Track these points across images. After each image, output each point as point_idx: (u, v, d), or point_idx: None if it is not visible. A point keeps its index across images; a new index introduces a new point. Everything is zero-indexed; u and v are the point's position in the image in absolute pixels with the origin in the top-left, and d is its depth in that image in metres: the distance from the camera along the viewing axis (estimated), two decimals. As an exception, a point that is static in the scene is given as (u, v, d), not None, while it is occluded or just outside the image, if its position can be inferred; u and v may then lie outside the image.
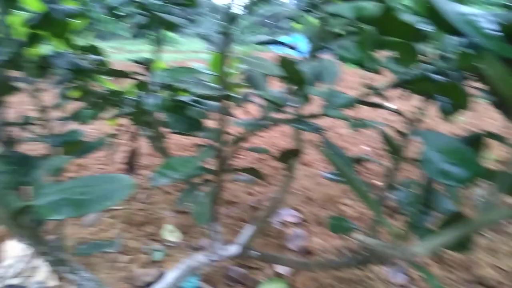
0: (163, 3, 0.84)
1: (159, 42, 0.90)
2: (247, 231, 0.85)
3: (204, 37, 0.50)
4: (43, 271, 1.04)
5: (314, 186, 1.58)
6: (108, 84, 1.08)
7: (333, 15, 0.72)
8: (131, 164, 1.03)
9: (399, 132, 0.71)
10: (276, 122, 0.52)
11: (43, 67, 0.68)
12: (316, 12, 0.84)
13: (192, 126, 0.60)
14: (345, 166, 0.43)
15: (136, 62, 0.78)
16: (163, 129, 0.86)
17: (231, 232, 1.24)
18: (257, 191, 1.58)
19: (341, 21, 0.75)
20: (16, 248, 1.08)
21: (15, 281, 0.96)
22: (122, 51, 8.00)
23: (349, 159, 0.55)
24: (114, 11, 0.90)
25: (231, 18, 0.50)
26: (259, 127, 0.50)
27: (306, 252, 1.16)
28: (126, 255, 1.10)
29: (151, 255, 1.12)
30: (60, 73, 0.79)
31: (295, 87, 0.45)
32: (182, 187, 1.52)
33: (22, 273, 1.02)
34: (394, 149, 0.65)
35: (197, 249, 1.17)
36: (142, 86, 0.96)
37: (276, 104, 0.46)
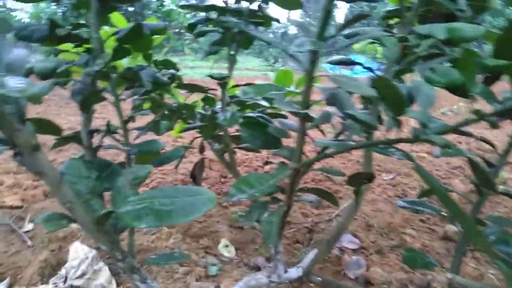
0: (239, 21, 0.86)
1: (232, 59, 0.91)
2: (310, 255, 0.81)
3: (292, 56, 0.50)
4: (104, 274, 1.07)
5: (373, 212, 1.51)
6: (179, 97, 1.12)
7: (419, 35, 0.69)
8: (195, 176, 1.05)
9: (487, 162, 0.65)
10: (362, 145, 0.50)
11: (127, 78, 0.72)
12: (394, 33, 0.82)
13: (269, 143, 0.59)
14: (442, 188, 0.40)
15: (212, 77, 0.79)
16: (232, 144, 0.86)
17: (286, 253, 1.21)
18: (313, 213, 1.54)
19: (427, 42, 0.72)
20: (79, 250, 1.13)
21: (77, 283, 1.00)
22: (182, 67, 8.35)
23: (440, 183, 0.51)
24: (191, 29, 0.94)
25: (320, 36, 0.49)
26: (342, 149, 0.48)
27: (366, 282, 1.10)
28: (183, 267, 1.11)
29: (207, 268, 1.12)
30: (140, 85, 0.82)
31: (388, 109, 0.42)
32: (239, 202, 1.52)
33: (85, 275, 1.06)
34: (483, 179, 0.59)
35: (253, 267, 1.15)
36: (211, 100, 0.98)
37: (367, 126, 0.44)
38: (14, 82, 0.33)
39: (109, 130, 0.65)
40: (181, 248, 1.21)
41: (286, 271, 0.79)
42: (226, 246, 1.25)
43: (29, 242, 1.22)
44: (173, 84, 1.02)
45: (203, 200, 0.47)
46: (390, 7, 1.01)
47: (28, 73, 0.63)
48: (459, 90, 0.59)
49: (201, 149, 1.02)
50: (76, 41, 0.61)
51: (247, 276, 0.79)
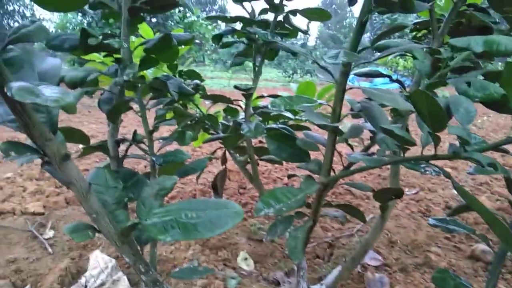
0: (265, 32, 0.86)
1: (257, 70, 0.91)
2: (333, 272, 0.79)
3: (323, 67, 0.49)
4: (123, 284, 1.07)
5: (396, 228, 1.47)
6: (202, 108, 1.12)
7: (452, 48, 0.67)
8: (217, 187, 1.04)
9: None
10: (397, 161, 0.48)
11: (154, 88, 0.72)
12: (430, 46, 0.80)
13: (296, 156, 0.58)
14: (483, 206, 0.37)
15: (238, 88, 0.79)
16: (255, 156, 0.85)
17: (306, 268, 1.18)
18: (333, 227, 1.51)
19: (462, 55, 0.70)
20: (99, 259, 1.13)
21: (99, 291, 0.99)
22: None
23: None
24: (216, 40, 0.94)
25: (354, 48, 0.47)
26: (377, 165, 0.46)
27: (390, 301, 1.06)
28: (201, 279, 1.09)
29: (225, 282, 1.10)
30: (164, 95, 0.82)
31: (426, 124, 0.41)
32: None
33: (104, 285, 1.06)
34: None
35: (272, 281, 1.12)
36: (235, 111, 0.97)
37: (404, 142, 0.42)
38: (49, 91, 0.33)
39: (135, 140, 0.64)
40: (199, 259, 1.20)
41: (308, 287, 0.77)
42: (245, 259, 1.23)
43: (50, 250, 1.23)
44: (197, 94, 1.02)
45: (229, 213, 0.46)
46: (419, 18, 0.99)
47: (58, 82, 0.64)
48: (496, 104, 0.57)
49: (223, 160, 1.02)
50: (107, 51, 0.62)
51: (269, 292, 0.77)
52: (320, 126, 0.51)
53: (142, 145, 0.75)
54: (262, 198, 0.52)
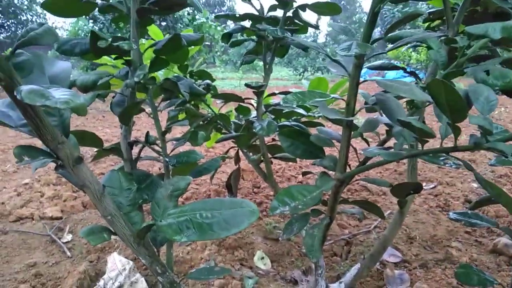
0: (275, 28, 0.85)
1: (268, 68, 0.90)
2: (352, 270, 0.77)
3: (335, 61, 0.47)
4: (141, 286, 1.07)
5: (415, 224, 1.44)
6: (214, 108, 1.12)
7: (469, 36, 0.65)
8: (231, 186, 1.04)
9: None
10: (416, 154, 0.46)
11: (165, 89, 0.72)
12: (446, 34, 0.77)
13: (311, 153, 0.57)
14: (508, 195, 0.36)
15: (249, 86, 0.78)
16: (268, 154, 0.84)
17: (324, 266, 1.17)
18: (350, 224, 1.49)
19: (479, 42, 0.67)
20: (117, 261, 1.13)
21: (117, 293, 1.00)
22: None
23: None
24: (226, 38, 0.93)
25: (367, 39, 0.46)
26: (395, 159, 0.45)
27: (411, 298, 1.04)
28: (219, 279, 1.09)
29: (243, 281, 1.09)
30: (176, 97, 0.82)
31: (445, 115, 0.39)
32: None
33: (123, 286, 1.06)
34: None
35: (290, 280, 1.11)
36: (246, 110, 0.97)
37: (423, 134, 0.40)
38: (59, 94, 0.33)
39: (148, 141, 0.64)
40: (216, 260, 1.20)
41: (327, 287, 0.75)
42: (262, 258, 1.23)
43: (68, 253, 1.24)
44: (208, 95, 1.02)
45: (245, 212, 0.45)
46: (432, 8, 0.97)
47: (70, 86, 0.64)
48: (519, 92, 0.55)
49: (237, 159, 1.01)
50: (117, 53, 0.62)
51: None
52: (334, 120, 0.50)
53: (156, 147, 0.75)
54: (277, 196, 0.51)
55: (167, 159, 0.66)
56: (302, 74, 13.06)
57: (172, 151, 0.75)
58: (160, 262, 0.54)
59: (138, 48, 0.64)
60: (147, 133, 0.65)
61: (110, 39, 0.56)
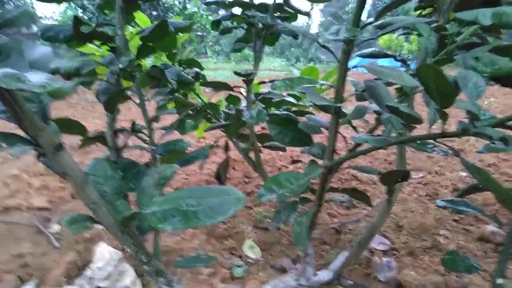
0: (265, 16, 0.83)
1: (257, 55, 0.89)
2: (340, 257, 0.78)
3: (324, 46, 0.47)
4: (130, 275, 1.07)
5: (404, 212, 1.46)
6: (203, 97, 1.11)
7: (459, 23, 0.65)
8: (220, 176, 1.03)
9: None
10: (404, 140, 0.46)
11: (152, 77, 0.70)
12: (435, 20, 0.77)
13: (299, 140, 0.56)
14: (495, 180, 0.36)
15: (238, 74, 0.77)
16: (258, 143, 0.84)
17: (314, 255, 1.17)
18: (339, 213, 1.49)
19: (470, 29, 0.67)
20: (105, 251, 1.12)
21: (103, 284, 0.99)
22: (204, 69, 8.39)
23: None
24: (215, 25, 0.92)
25: (356, 24, 0.45)
26: (383, 145, 0.44)
27: (398, 285, 1.05)
28: (208, 268, 1.09)
29: (232, 270, 1.10)
30: (164, 85, 0.81)
31: (434, 101, 0.39)
32: (264, 202, 1.50)
33: (110, 276, 1.06)
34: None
35: (279, 269, 1.12)
36: (236, 99, 0.96)
37: (411, 120, 0.40)
38: (36, 78, 0.32)
39: (134, 130, 0.63)
40: (206, 249, 1.19)
41: (315, 274, 0.76)
42: (251, 247, 1.23)
43: (56, 244, 1.23)
44: (198, 83, 1.01)
45: (230, 200, 0.44)
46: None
47: (54, 73, 0.63)
48: (506, 79, 0.55)
49: (226, 149, 1.00)
50: (101, 39, 0.60)
51: (275, 279, 0.76)
52: (322, 107, 0.50)
53: (144, 136, 0.74)
54: (265, 183, 0.51)
55: (153, 148, 0.65)
56: (294, 64, 13.02)
57: (160, 139, 0.74)
58: (145, 250, 0.53)
59: (123, 34, 0.63)
60: (133, 122, 0.64)
61: (94, 25, 0.55)
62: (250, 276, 1.08)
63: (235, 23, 0.97)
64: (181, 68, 0.90)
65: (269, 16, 0.76)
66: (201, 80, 1.03)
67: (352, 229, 1.34)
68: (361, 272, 1.10)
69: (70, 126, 0.56)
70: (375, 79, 0.50)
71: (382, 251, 1.20)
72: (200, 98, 1.00)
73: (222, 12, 0.98)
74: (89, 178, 0.52)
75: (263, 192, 0.49)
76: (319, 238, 1.29)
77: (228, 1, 0.92)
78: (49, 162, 0.43)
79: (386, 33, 0.52)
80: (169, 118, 3.14)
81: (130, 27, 1.19)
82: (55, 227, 1.35)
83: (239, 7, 0.92)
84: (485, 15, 0.53)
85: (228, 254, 1.19)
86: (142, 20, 1.07)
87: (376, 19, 0.49)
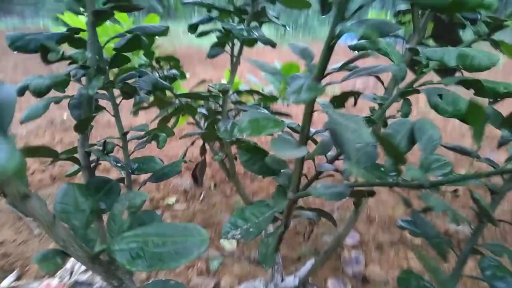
0: (242, 28, 0.82)
1: (235, 61, 0.88)
2: (307, 264, 0.82)
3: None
4: (109, 266, 1.10)
5: (376, 203, 1.52)
6: (181, 89, 1.10)
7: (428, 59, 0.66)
8: (196, 176, 1.05)
9: (490, 190, 0.64)
10: (361, 185, 0.48)
11: (126, 92, 0.70)
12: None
13: (267, 169, 0.58)
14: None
15: (212, 87, 0.77)
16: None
17: (286, 247, 1.23)
18: (315, 203, 1.55)
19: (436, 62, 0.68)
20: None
21: (83, 277, 1.03)
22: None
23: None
24: (192, 29, 0.90)
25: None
26: (336, 199, 0.47)
27: (363, 279, 1.12)
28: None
29: (208, 263, 1.14)
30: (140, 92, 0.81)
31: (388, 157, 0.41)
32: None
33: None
34: (484, 214, 0.58)
35: (253, 261, 1.17)
36: (217, 97, 0.96)
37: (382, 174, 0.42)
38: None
39: (106, 150, 0.64)
40: (183, 240, 1.23)
41: (282, 280, 0.80)
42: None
43: (36, 231, 1.25)
44: (178, 82, 1.00)
45: (195, 242, 0.47)
46: (403, 6, 0.96)
47: (22, 90, 0.62)
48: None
49: (202, 152, 1.02)
50: (71, 63, 0.60)
51: (246, 283, 0.80)
52: (285, 156, 0.51)
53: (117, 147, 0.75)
54: (230, 218, 0.53)
55: (125, 166, 0.66)
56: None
57: (132, 152, 0.75)
58: (116, 276, 0.56)
59: (94, 55, 0.62)
60: (105, 141, 0.64)
61: (61, 51, 0.54)
62: (225, 269, 1.13)
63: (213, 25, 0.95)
64: (157, 75, 0.90)
65: (245, 29, 0.76)
66: (180, 78, 1.03)
67: (325, 222, 1.40)
68: (331, 266, 1.17)
69: (40, 151, 0.57)
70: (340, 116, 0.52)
71: (352, 246, 1.26)
72: (179, 100, 1.00)
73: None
74: (59, 209, 0.53)
75: (228, 228, 0.52)
76: (293, 229, 1.34)
77: (207, 4, 0.91)
78: (17, 207, 0.44)
79: (350, 78, 0.53)
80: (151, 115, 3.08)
81: (107, 22, 1.15)
82: (35, 213, 1.36)
83: (217, 11, 0.90)
84: (451, 57, 0.55)
85: (205, 245, 1.23)
86: (121, 16, 1.04)
87: (341, 67, 0.50)
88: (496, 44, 0.73)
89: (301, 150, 0.47)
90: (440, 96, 0.59)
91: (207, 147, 1.02)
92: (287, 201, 0.56)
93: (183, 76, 1.04)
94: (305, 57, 0.53)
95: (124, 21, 1.05)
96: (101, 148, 0.63)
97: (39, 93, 0.61)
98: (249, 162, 0.61)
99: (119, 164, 0.62)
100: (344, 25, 0.43)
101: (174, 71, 0.96)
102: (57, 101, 0.63)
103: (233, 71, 0.87)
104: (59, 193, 0.56)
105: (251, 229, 0.52)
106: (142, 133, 0.78)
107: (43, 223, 0.45)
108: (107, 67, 0.70)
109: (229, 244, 1.25)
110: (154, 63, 1.02)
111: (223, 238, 0.51)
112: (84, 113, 0.60)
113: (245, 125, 0.51)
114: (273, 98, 1.12)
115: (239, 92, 1.02)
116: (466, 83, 0.65)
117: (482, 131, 0.39)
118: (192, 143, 1.04)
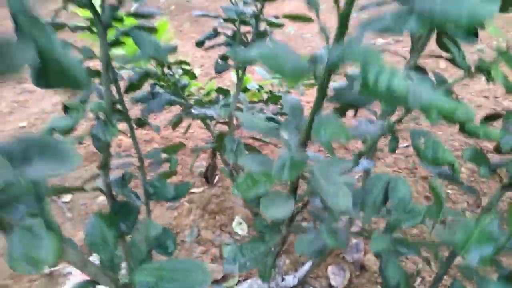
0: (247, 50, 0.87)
1: (240, 77, 0.94)
2: (305, 266, 0.93)
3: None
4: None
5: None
6: (197, 84, 1.17)
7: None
8: (208, 177, 1.14)
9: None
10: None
11: (141, 120, 0.78)
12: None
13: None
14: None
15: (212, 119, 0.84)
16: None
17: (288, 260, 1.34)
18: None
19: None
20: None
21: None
22: None
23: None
24: (199, 45, 0.95)
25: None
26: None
27: (361, 267, 1.23)
28: (200, 246, 1.26)
29: (221, 248, 1.27)
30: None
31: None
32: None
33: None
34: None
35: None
36: (226, 92, 1.02)
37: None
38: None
39: (125, 180, 0.73)
40: (199, 225, 1.36)
41: (283, 279, 0.91)
42: (240, 223, 1.39)
43: (69, 214, 1.40)
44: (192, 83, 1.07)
45: (197, 279, 0.57)
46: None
47: (50, 133, 0.71)
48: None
49: (213, 155, 1.10)
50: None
51: (250, 280, 0.92)
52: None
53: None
54: (229, 253, 0.63)
55: (143, 189, 0.76)
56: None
57: (148, 167, 0.84)
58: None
59: (109, 98, 0.69)
60: (123, 174, 0.73)
61: (82, 110, 0.62)
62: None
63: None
64: (171, 72, 0.96)
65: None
66: (192, 83, 1.09)
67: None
68: (333, 252, 1.27)
69: (68, 189, 0.67)
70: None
71: (354, 232, 1.35)
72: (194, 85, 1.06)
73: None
74: (88, 243, 0.64)
75: (228, 261, 0.62)
76: (300, 215, 1.44)
77: (213, 16, 0.95)
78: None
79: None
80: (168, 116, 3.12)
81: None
82: (67, 197, 1.50)
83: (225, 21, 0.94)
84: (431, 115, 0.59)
85: (219, 231, 1.35)
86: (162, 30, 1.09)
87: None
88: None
89: (288, 205, 0.55)
90: (423, 142, 0.64)
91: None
92: (281, 235, 0.65)
93: (193, 76, 1.10)
94: (294, 115, 0.58)
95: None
96: (121, 179, 0.73)
97: (65, 133, 0.69)
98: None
99: (139, 200, 0.72)
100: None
101: (185, 82, 1.02)
102: (80, 141, 0.71)
103: (237, 87, 0.93)
104: (88, 225, 0.66)
105: (247, 264, 0.61)
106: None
107: (77, 265, 0.56)
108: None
109: (240, 230, 1.37)
110: (166, 69, 1.08)
111: (225, 271, 0.61)
112: (104, 155, 0.69)
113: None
114: (279, 97, 1.18)
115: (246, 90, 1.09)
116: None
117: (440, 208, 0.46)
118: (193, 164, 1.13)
